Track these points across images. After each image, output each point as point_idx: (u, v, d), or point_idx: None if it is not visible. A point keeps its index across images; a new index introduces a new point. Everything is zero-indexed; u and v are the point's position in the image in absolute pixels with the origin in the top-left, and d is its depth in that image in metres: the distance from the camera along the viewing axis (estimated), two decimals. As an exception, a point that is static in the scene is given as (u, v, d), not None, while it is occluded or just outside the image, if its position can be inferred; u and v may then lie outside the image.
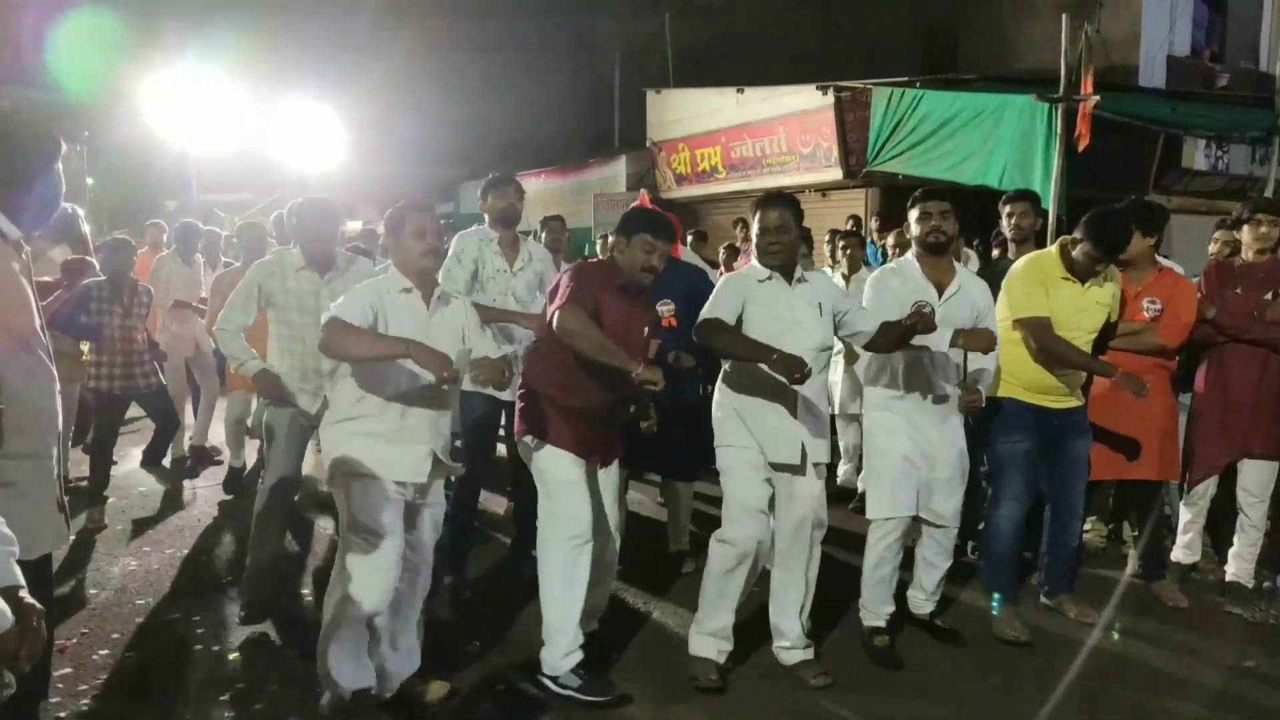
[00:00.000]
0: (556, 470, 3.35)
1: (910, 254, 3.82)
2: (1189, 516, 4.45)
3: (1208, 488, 4.40)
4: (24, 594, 1.49)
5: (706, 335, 3.34)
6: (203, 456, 6.82)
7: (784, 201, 3.46)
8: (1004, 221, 4.80)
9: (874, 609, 3.80)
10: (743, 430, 3.46)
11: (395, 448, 3.03)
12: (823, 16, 15.80)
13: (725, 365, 3.56)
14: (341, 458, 3.03)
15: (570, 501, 3.33)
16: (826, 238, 8.51)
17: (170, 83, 11.14)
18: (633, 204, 5.60)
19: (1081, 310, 3.95)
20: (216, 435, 6.86)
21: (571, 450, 3.35)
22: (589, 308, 3.19)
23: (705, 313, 3.38)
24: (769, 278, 3.42)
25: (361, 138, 16.57)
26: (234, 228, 11.14)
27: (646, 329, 3.46)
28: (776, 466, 3.44)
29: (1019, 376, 3.99)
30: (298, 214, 4.01)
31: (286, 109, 12.64)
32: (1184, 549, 4.47)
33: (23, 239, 2.20)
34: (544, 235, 5.80)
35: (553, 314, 3.19)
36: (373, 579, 2.97)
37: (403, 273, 3.09)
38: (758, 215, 3.44)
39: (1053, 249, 4.07)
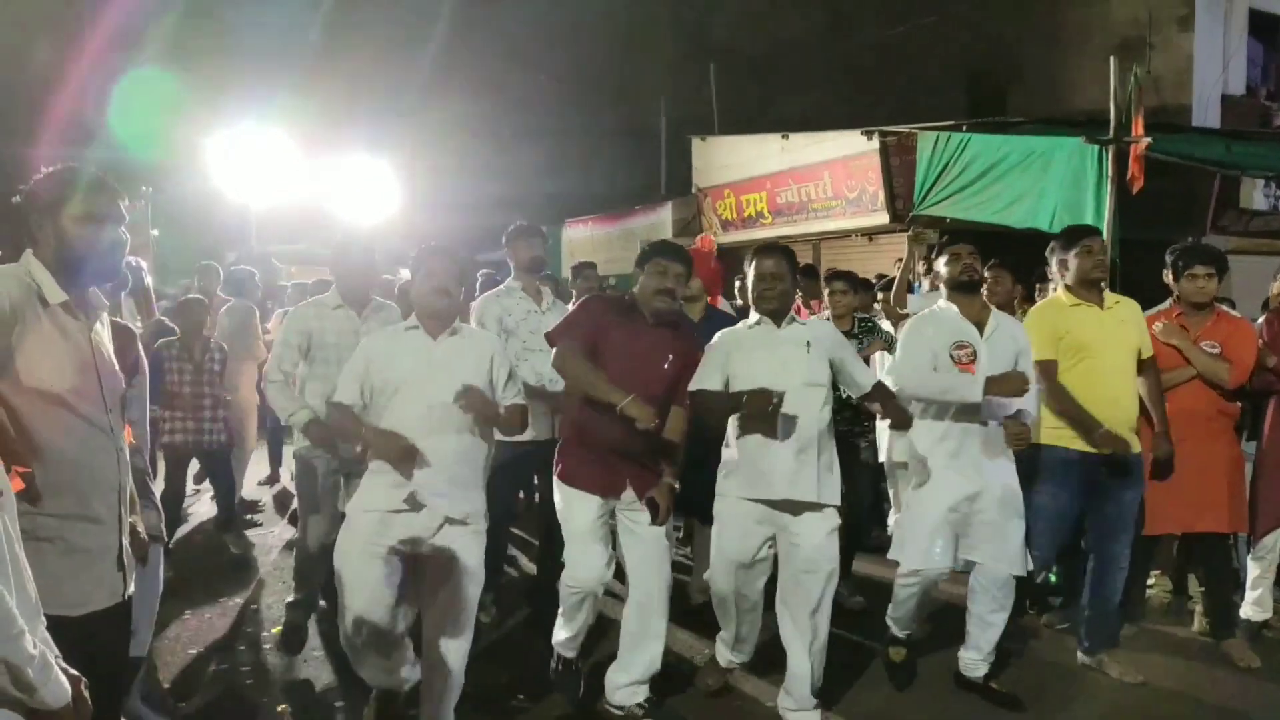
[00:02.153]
0: (567, 511, 3.45)
1: (943, 299, 3.80)
2: (1258, 571, 4.28)
3: (1276, 540, 4.24)
4: (59, 663, 1.52)
5: (695, 408, 3.45)
6: (247, 508, 6.92)
7: (779, 251, 3.57)
8: (1053, 264, 4.74)
9: (898, 627, 3.81)
10: (736, 478, 3.49)
11: (375, 478, 3.13)
12: (868, 62, 15.88)
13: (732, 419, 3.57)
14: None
15: (577, 550, 3.39)
16: (875, 280, 8.49)
17: (231, 139, 11.56)
18: (691, 247, 5.67)
19: (1110, 331, 3.89)
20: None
21: (584, 488, 3.39)
22: (584, 339, 3.31)
23: (691, 385, 3.46)
24: (758, 323, 3.52)
25: (414, 188, 16.96)
26: (290, 276, 11.44)
27: (669, 361, 3.42)
28: (774, 506, 3.40)
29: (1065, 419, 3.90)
30: (337, 251, 4.15)
31: (342, 162, 13.03)
32: (1254, 605, 4.30)
33: (85, 299, 2.28)
34: (578, 282, 5.86)
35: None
36: (349, 615, 3.08)
37: (416, 311, 3.25)
38: (754, 263, 3.53)
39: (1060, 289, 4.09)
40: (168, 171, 12.93)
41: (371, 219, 13.00)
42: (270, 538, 6.26)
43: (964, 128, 9.81)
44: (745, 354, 3.45)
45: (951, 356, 3.64)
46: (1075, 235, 4.10)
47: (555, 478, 3.53)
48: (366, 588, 3.06)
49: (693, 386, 3.46)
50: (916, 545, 3.63)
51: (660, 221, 15.91)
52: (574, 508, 3.44)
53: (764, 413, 3.21)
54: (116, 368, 2.33)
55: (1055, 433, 3.91)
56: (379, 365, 3.14)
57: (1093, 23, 13.77)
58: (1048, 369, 3.87)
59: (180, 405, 5.48)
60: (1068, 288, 4.02)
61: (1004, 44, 14.75)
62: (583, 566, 3.38)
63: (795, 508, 3.39)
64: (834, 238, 12.55)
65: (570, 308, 4.67)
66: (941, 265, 3.77)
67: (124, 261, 2.37)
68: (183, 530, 6.27)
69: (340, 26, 16.90)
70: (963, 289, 3.72)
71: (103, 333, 2.33)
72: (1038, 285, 6.00)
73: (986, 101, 14.30)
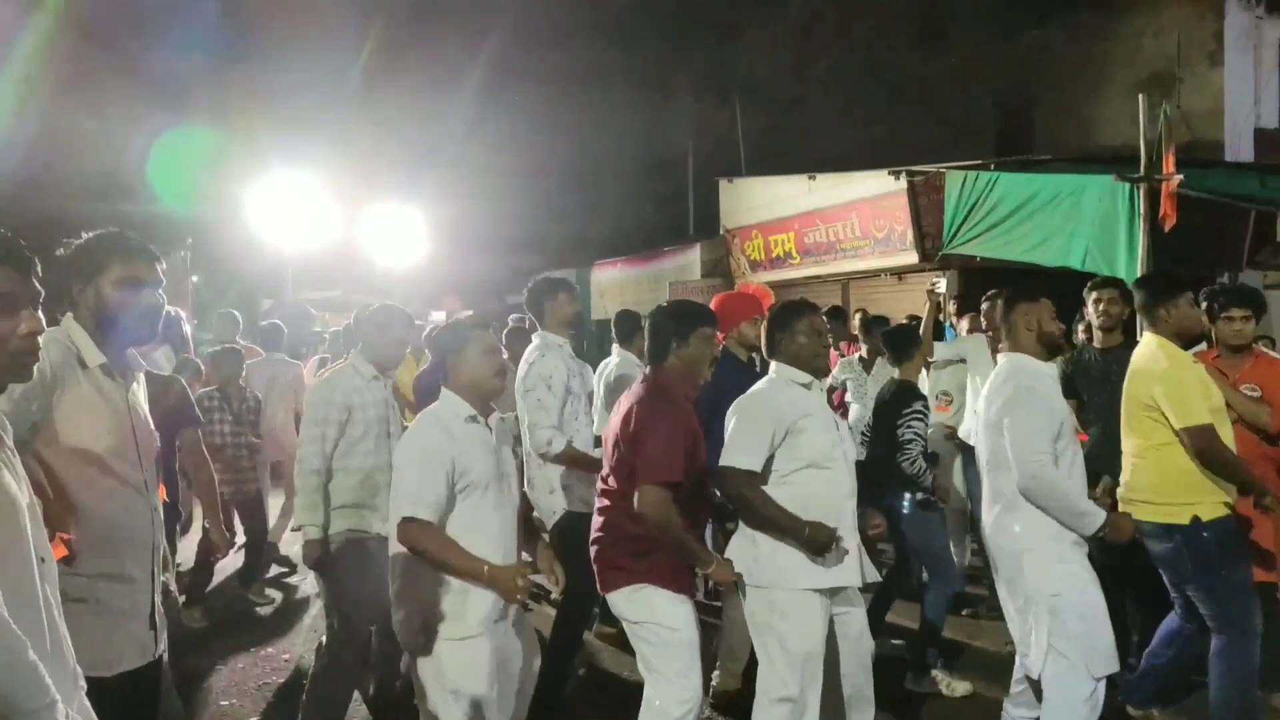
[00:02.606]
0: (671, 618, 3.02)
1: (1029, 357, 3.49)
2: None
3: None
4: None
5: (735, 487, 3.03)
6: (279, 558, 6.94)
7: (817, 309, 3.35)
8: (1090, 309, 4.69)
9: None
10: (798, 568, 3.01)
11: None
12: (894, 102, 15.95)
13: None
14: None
15: (688, 661, 3.01)
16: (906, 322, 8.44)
17: (267, 189, 11.84)
18: (725, 293, 5.68)
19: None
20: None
21: (682, 590, 3.06)
22: (680, 471, 2.96)
23: (731, 456, 3.03)
24: (809, 384, 3.20)
25: (444, 230, 17.22)
26: (325, 323, 11.60)
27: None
28: (834, 596, 3.11)
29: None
30: (370, 321, 3.92)
31: (375, 208, 13.29)
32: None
33: (123, 360, 2.33)
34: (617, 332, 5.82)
35: (639, 485, 2.93)
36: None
37: (464, 397, 2.85)
38: (808, 319, 3.24)
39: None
40: (208, 221, 13.24)
41: (402, 263, 13.19)
42: (304, 585, 6.28)
43: (992, 166, 9.79)
44: (811, 420, 3.11)
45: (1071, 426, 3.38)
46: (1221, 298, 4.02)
47: (639, 581, 3.07)
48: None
49: (736, 461, 3.04)
50: (1101, 649, 3.19)
51: (689, 263, 15.99)
52: (678, 613, 3.05)
53: (823, 547, 2.94)
54: (152, 427, 2.38)
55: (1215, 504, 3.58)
56: (464, 463, 2.77)
57: (1120, 58, 13.74)
58: (1206, 432, 3.50)
59: (220, 456, 5.57)
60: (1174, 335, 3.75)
61: (1031, 80, 14.75)
62: (696, 681, 3.03)
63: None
64: (863, 277, 12.52)
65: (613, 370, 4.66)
66: (1048, 319, 3.44)
67: (160, 320, 2.42)
68: (218, 578, 6.31)
69: (374, 76, 17.31)
70: (1053, 350, 3.48)
71: (139, 393, 2.38)
72: (1077, 326, 5.90)
73: (1014, 138, 14.27)
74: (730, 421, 3.17)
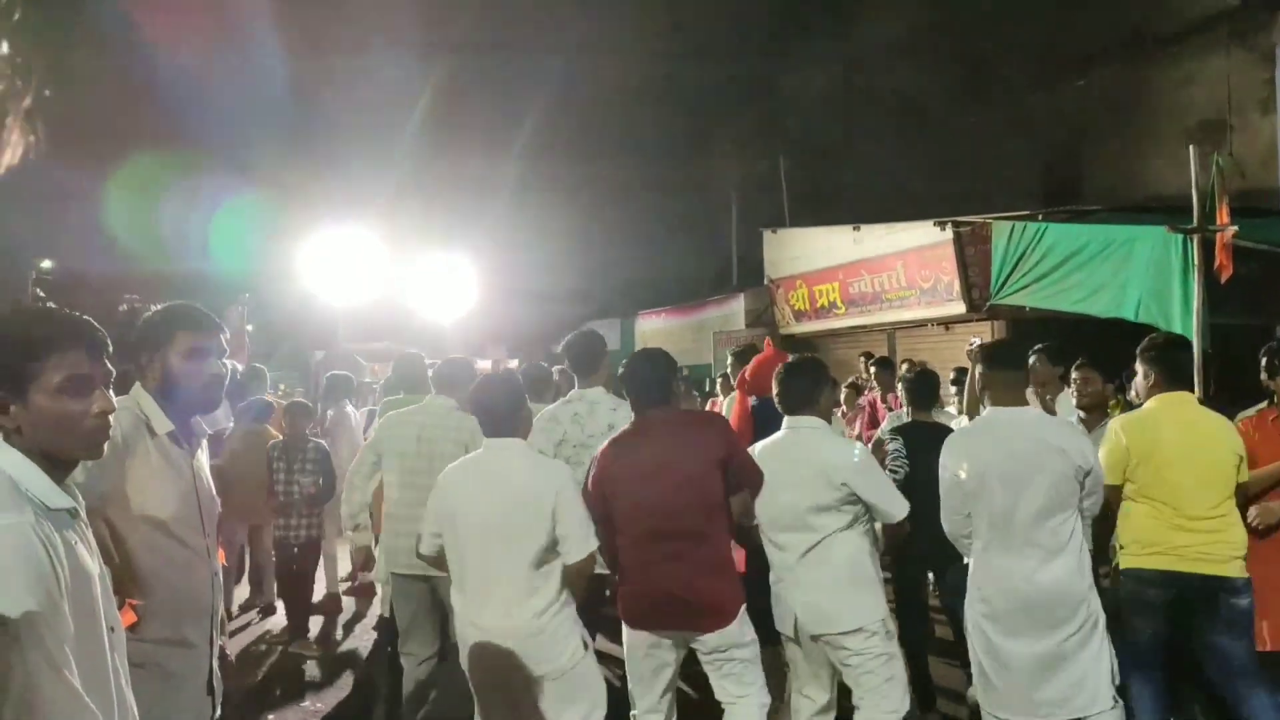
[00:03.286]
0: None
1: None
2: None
3: None
4: None
5: None
6: (335, 605, 7.00)
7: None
8: (1140, 371, 4.59)
9: None
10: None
11: None
12: (938, 152, 15.96)
13: None
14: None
15: None
16: (951, 375, 8.34)
17: (320, 245, 12.16)
18: (758, 352, 5.67)
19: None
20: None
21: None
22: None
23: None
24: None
25: (490, 281, 17.48)
26: (374, 374, 11.80)
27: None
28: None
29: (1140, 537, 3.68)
30: (439, 373, 4.26)
31: (423, 262, 13.56)
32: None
33: (189, 427, 2.40)
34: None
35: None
36: None
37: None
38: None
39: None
40: (265, 277, 13.64)
41: (449, 315, 13.39)
42: (351, 639, 6.31)
43: (1040, 216, 9.72)
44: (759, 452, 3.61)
45: None
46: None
47: (741, 602, 3.43)
48: None
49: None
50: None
51: (733, 313, 16.03)
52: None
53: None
54: (214, 492, 2.44)
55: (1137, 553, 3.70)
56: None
57: (1170, 107, 13.64)
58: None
59: (282, 506, 5.74)
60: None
61: (1078, 130, 14.68)
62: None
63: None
64: (909, 327, 12.43)
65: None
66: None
67: (223, 388, 2.49)
68: (274, 627, 6.37)
69: (426, 136, 17.80)
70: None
71: (203, 458, 2.45)
72: (1126, 381, 5.78)
73: (1061, 187, 14.17)
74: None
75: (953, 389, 8.31)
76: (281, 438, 5.96)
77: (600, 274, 21.28)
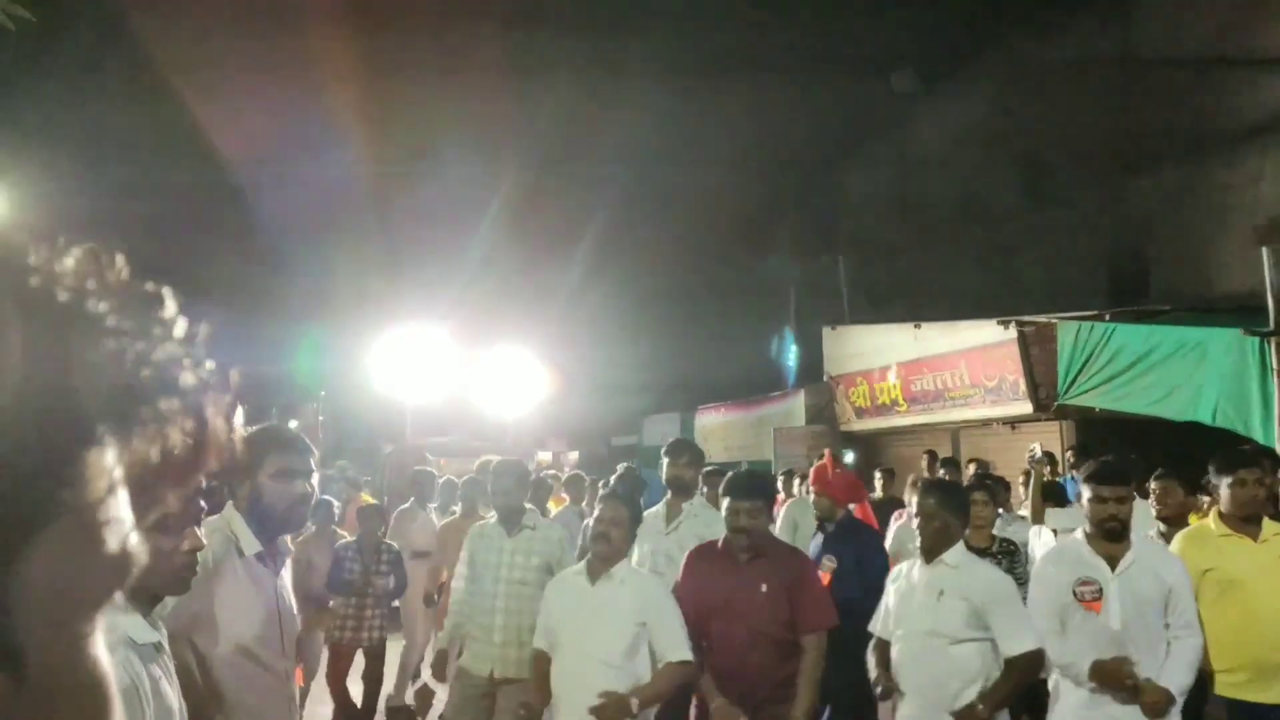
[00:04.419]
0: None
1: (1078, 533, 3.55)
2: None
3: None
4: None
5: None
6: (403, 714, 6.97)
7: (939, 489, 3.62)
8: (1224, 489, 4.46)
9: None
10: None
11: None
12: (998, 249, 15.93)
13: None
14: None
15: None
16: (1021, 478, 8.15)
17: (390, 344, 12.58)
18: (818, 462, 5.64)
19: (1265, 569, 3.55)
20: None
21: None
22: (689, 606, 3.38)
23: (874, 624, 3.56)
24: (913, 560, 3.57)
25: (551, 375, 17.75)
26: (441, 468, 11.99)
27: (764, 588, 3.44)
28: None
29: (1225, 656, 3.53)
30: (491, 474, 4.41)
31: (488, 357, 13.90)
32: None
33: (275, 547, 2.50)
34: (705, 489, 5.82)
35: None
36: None
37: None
38: (915, 501, 3.62)
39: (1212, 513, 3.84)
40: (337, 373, 14.09)
41: (515, 411, 13.62)
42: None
43: (1106, 316, 9.61)
44: (895, 592, 3.53)
45: (1075, 594, 3.36)
46: (1231, 464, 3.87)
47: None
48: None
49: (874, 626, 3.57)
50: None
51: (793, 409, 15.95)
52: None
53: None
54: (295, 612, 2.52)
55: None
56: (547, 609, 3.37)
57: (1238, 204, 13.47)
58: None
59: (352, 604, 5.87)
60: (1220, 515, 3.79)
61: (1144, 226, 14.55)
62: None
63: None
64: (974, 426, 12.22)
65: (703, 532, 4.71)
66: (1085, 495, 3.48)
67: (310, 509, 2.60)
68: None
69: (493, 239, 18.43)
70: (1108, 536, 3.41)
71: (286, 578, 2.53)
72: (1207, 493, 5.57)
73: (1126, 285, 13.97)
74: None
75: (1023, 492, 8.10)
76: (352, 538, 6.10)
77: (659, 368, 21.44)
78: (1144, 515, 5.12)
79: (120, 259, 0.43)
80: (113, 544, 0.39)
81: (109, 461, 0.38)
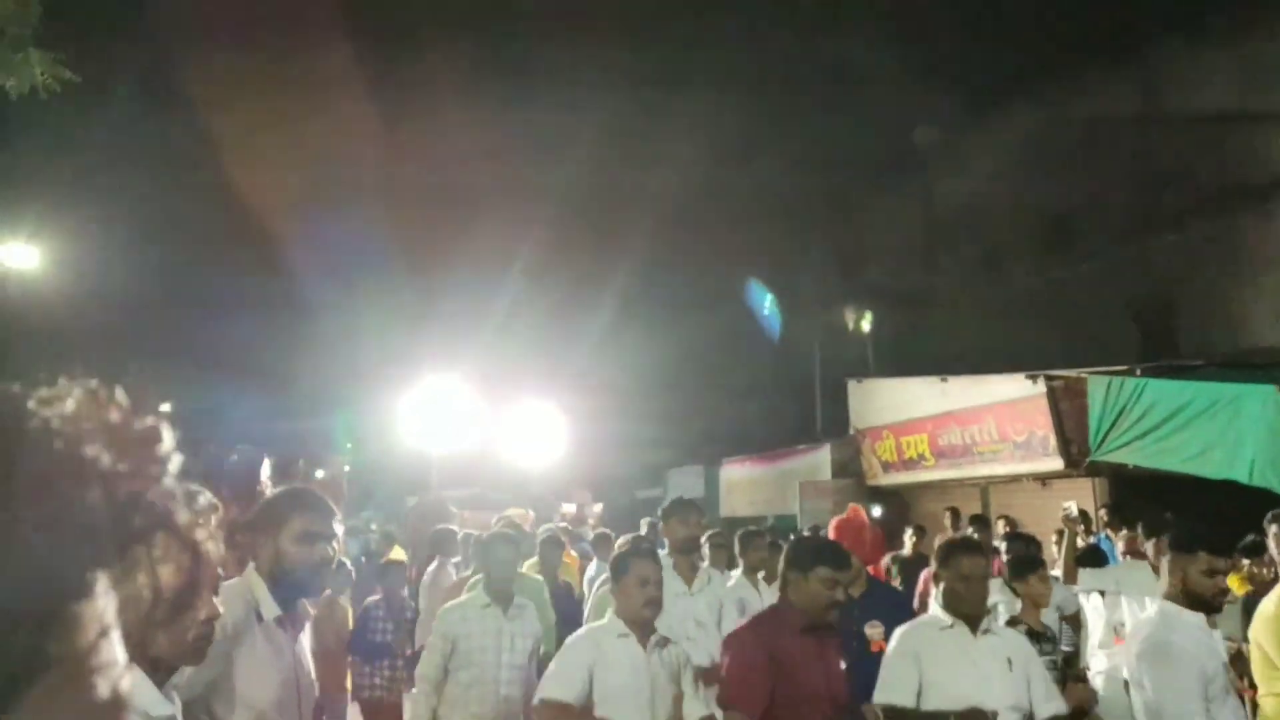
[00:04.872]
0: None
1: (1162, 600, 3.26)
2: None
3: None
4: None
5: None
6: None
7: (980, 550, 3.39)
8: (1271, 543, 4.33)
9: None
10: None
11: None
12: (1024, 302, 15.84)
13: None
14: None
15: None
16: (1053, 537, 7.98)
17: (416, 396, 12.67)
18: (839, 517, 5.50)
19: None
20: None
21: None
22: (761, 692, 3.02)
23: (882, 695, 3.16)
24: (950, 625, 3.19)
25: (576, 428, 17.74)
26: (463, 521, 11.97)
27: (843, 665, 3.28)
28: None
29: None
30: (483, 547, 4.20)
31: (513, 409, 13.95)
32: None
33: (294, 612, 2.49)
34: (749, 553, 5.64)
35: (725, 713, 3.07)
36: None
37: (622, 618, 3.14)
38: (953, 562, 3.26)
39: None
40: (364, 424, 14.20)
41: (539, 463, 13.60)
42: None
43: (1137, 371, 9.48)
44: (942, 665, 3.14)
45: (1216, 675, 3.10)
46: None
47: None
48: None
49: (881, 698, 3.16)
50: None
51: (819, 462, 15.79)
52: None
53: None
54: (313, 677, 2.49)
55: None
56: (602, 671, 3.05)
57: (1266, 256, 13.34)
58: None
59: (380, 661, 5.84)
60: None
61: (1172, 279, 14.44)
62: None
63: None
64: (1004, 482, 12.03)
65: (742, 596, 4.62)
66: (1196, 570, 3.17)
67: (330, 573, 2.59)
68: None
69: (518, 293, 18.66)
70: (1214, 610, 3.20)
71: (305, 642, 2.51)
72: (1248, 559, 5.35)
73: (1157, 339, 13.82)
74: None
75: (1055, 551, 7.91)
76: (379, 596, 6.09)
77: (683, 421, 21.39)
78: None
79: (120, 394, 0.44)
80: (104, 691, 0.39)
81: (99, 608, 0.38)
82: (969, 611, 3.20)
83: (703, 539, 5.41)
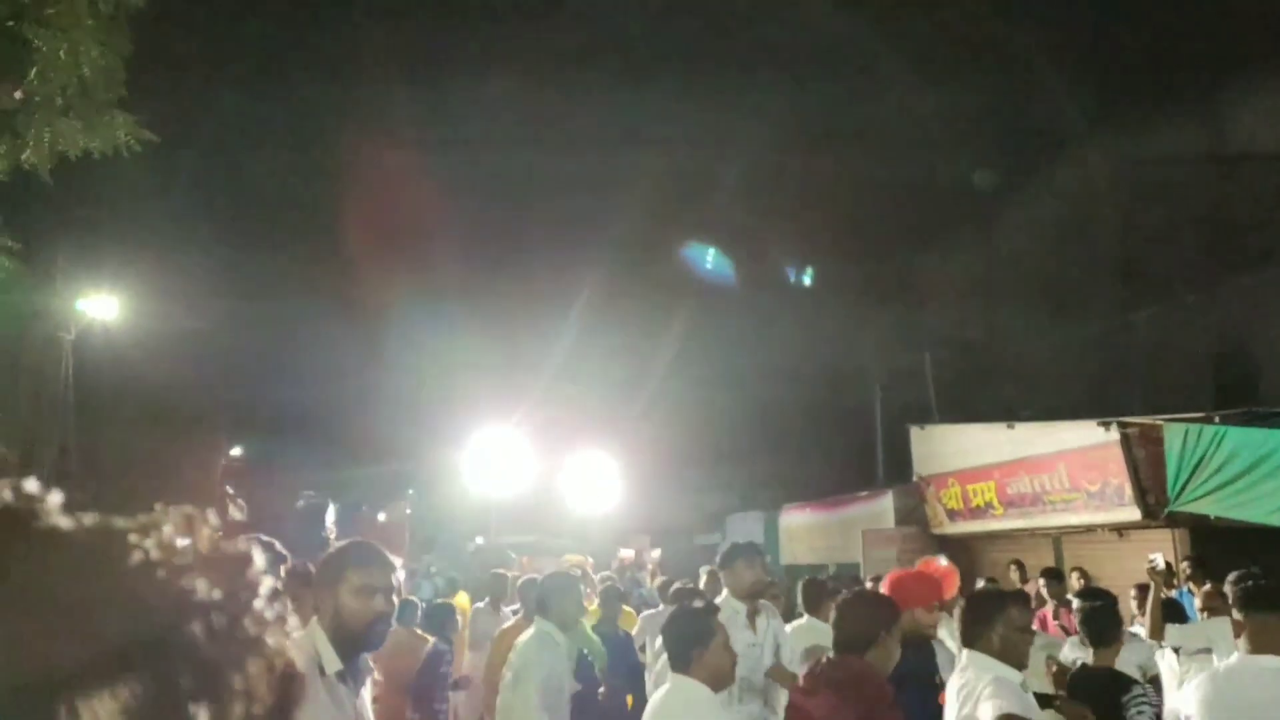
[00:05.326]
0: None
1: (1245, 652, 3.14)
2: None
3: None
4: None
5: None
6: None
7: (1019, 601, 3.37)
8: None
9: None
10: None
11: None
12: (1092, 345, 15.43)
13: None
14: None
15: None
16: (1133, 593, 7.65)
17: (478, 443, 12.81)
18: (919, 565, 5.38)
19: None
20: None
21: None
22: None
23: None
24: (1021, 683, 3.12)
25: (633, 473, 17.72)
26: (523, 567, 11.99)
27: None
28: None
29: None
30: (549, 588, 4.34)
31: (571, 456, 13.99)
32: None
33: (356, 665, 2.49)
34: (813, 606, 5.58)
35: None
36: None
37: (707, 682, 2.98)
38: (1006, 613, 3.18)
39: None
40: (427, 472, 14.41)
41: (597, 509, 13.60)
42: None
43: (1216, 419, 9.13)
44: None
45: None
46: None
47: None
48: None
49: None
50: None
51: (882, 510, 15.49)
52: None
53: None
54: None
55: None
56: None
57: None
58: None
59: (443, 704, 5.97)
60: None
61: (1247, 324, 13.93)
62: None
63: None
64: (1077, 532, 11.62)
65: (776, 634, 4.54)
66: (1255, 630, 3.10)
67: (390, 626, 2.59)
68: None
69: (577, 339, 18.82)
70: None
71: (366, 697, 2.51)
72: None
73: (1234, 384, 13.31)
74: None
75: (1134, 607, 7.58)
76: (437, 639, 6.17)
77: (743, 465, 21.19)
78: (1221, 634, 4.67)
79: (212, 519, 0.45)
80: None
81: None
82: (1022, 665, 3.16)
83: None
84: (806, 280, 20.53)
